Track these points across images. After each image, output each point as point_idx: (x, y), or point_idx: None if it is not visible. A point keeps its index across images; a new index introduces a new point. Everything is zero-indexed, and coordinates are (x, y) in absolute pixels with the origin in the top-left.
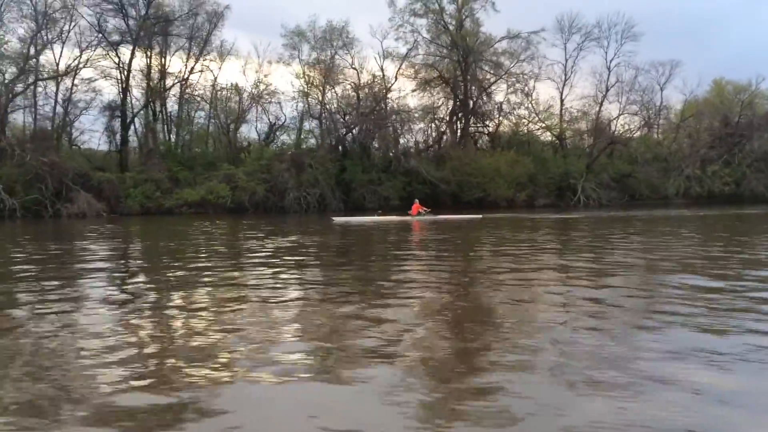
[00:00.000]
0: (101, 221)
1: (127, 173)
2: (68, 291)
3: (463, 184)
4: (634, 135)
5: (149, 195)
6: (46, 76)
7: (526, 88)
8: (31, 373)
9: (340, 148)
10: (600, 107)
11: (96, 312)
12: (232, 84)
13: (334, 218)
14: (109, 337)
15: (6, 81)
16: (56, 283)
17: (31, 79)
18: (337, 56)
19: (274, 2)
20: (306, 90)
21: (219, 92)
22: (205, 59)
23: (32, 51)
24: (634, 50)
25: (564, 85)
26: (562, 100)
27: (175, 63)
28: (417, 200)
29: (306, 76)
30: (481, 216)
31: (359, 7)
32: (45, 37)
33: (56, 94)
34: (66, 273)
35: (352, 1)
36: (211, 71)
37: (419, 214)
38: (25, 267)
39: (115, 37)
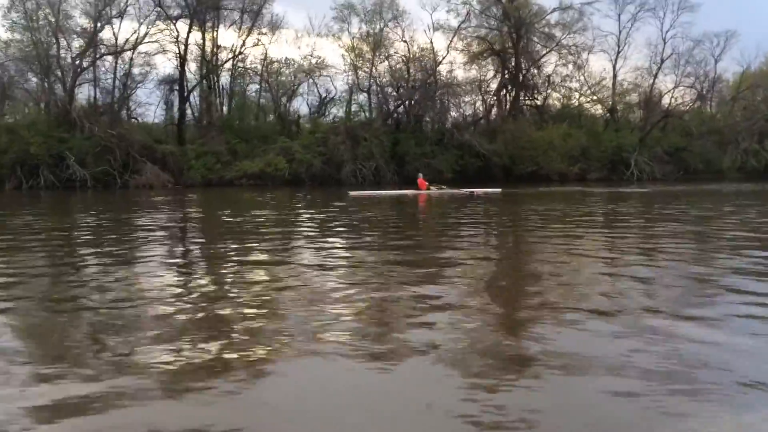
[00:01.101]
0: (168, 192)
1: (188, 146)
2: (136, 254)
3: (515, 157)
4: (687, 108)
5: (210, 167)
6: (109, 50)
7: (579, 61)
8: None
9: (389, 121)
10: (654, 80)
11: (152, 281)
12: (283, 58)
13: (350, 192)
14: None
15: (73, 55)
16: (125, 247)
17: (96, 54)
18: (386, 29)
19: None
20: (356, 63)
21: (270, 66)
22: (257, 33)
23: (97, 26)
24: (690, 21)
25: (617, 57)
26: (614, 73)
27: (227, 37)
28: (421, 175)
29: (356, 49)
30: (500, 190)
31: None
32: (109, 12)
33: (115, 68)
34: (140, 238)
35: None
36: (263, 45)
37: (428, 188)
38: (113, 236)
39: (174, 12)
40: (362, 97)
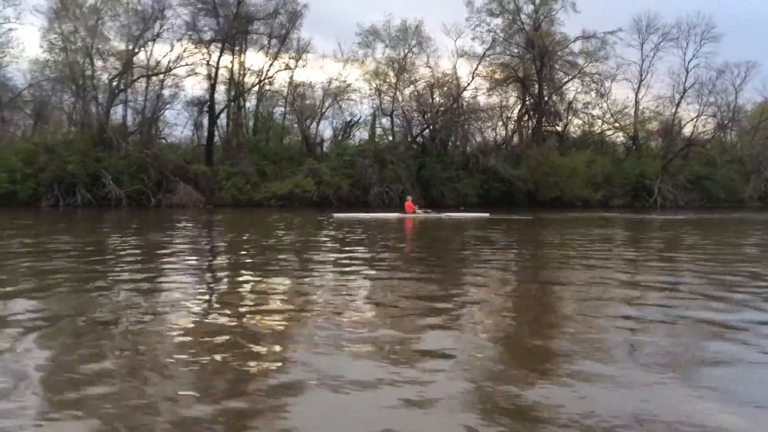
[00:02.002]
0: (201, 212)
1: (220, 166)
2: (169, 275)
3: (539, 182)
4: (709, 137)
5: (240, 188)
6: (146, 72)
7: (602, 89)
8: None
9: (414, 145)
10: (677, 108)
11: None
12: (308, 81)
13: (333, 214)
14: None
15: (110, 77)
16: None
17: (132, 75)
18: (410, 55)
19: (347, 6)
20: (380, 88)
21: (296, 89)
22: (284, 57)
23: (135, 49)
24: (713, 51)
25: (639, 85)
26: (637, 101)
27: (254, 60)
28: (410, 197)
29: (380, 74)
30: (488, 214)
31: (431, 6)
32: (146, 36)
33: (146, 89)
34: (181, 257)
35: (425, 1)
36: (290, 68)
37: (415, 212)
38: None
39: (207, 36)
40: (385, 121)
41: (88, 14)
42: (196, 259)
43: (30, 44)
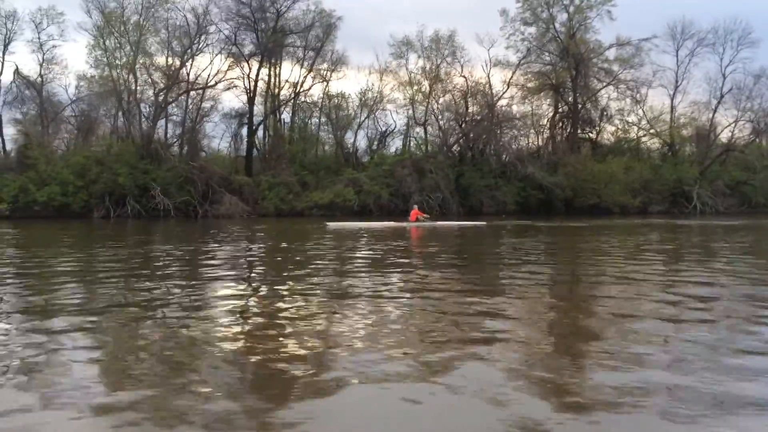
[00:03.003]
0: (247, 222)
1: (261, 176)
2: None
3: (577, 189)
4: (744, 142)
5: (282, 197)
6: (191, 87)
7: (638, 95)
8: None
9: (451, 154)
10: (714, 114)
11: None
12: (343, 92)
13: (327, 224)
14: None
15: (156, 91)
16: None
17: (179, 90)
18: (444, 64)
19: (379, 19)
20: (413, 98)
21: (331, 100)
22: (320, 69)
23: (180, 63)
24: (750, 57)
25: (675, 91)
26: (672, 107)
27: (290, 72)
28: (416, 206)
29: (414, 85)
30: (485, 223)
31: (464, 16)
32: (191, 50)
33: (186, 102)
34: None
35: (457, 11)
36: (325, 80)
37: (418, 220)
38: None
39: (246, 50)
40: (419, 130)
41: (132, 31)
42: (252, 266)
43: (73, 60)
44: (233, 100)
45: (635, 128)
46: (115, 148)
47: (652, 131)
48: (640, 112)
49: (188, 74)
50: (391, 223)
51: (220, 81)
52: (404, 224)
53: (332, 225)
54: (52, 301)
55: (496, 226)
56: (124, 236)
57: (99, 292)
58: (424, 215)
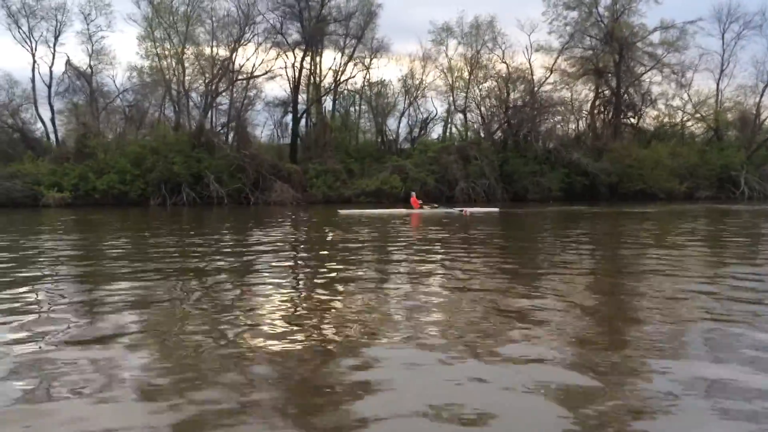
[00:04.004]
0: (300, 209)
1: (309, 164)
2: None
3: (623, 175)
4: None
5: (330, 185)
6: (242, 76)
7: (682, 80)
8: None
9: (492, 140)
10: (761, 98)
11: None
12: (384, 80)
13: (339, 210)
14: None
15: (206, 81)
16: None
17: (232, 78)
18: (484, 50)
19: (418, 4)
20: (453, 84)
21: (372, 88)
22: (361, 57)
23: (230, 54)
24: None
25: (720, 75)
26: (718, 91)
27: (331, 60)
28: (413, 193)
29: (455, 71)
30: (498, 209)
31: (503, 3)
32: (239, 40)
33: (231, 91)
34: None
35: None
36: (366, 68)
37: (421, 207)
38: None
39: (292, 39)
40: (461, 117)
41: (180, 21)
42: (302, 251)
43: (120, 51)
44: (274, 89)
45: (680, 113)
46: (170, 137)
47: (697, 116)
48: (685, 96)
49: (232, 64)
50: (402, 210)
51: (269, 70)
52: (411, 211)
53: (344, 212)
54: (111, 278)
55: (552, 212)
56: (203, 221)
57: (163, 272)
58: (432, 204)
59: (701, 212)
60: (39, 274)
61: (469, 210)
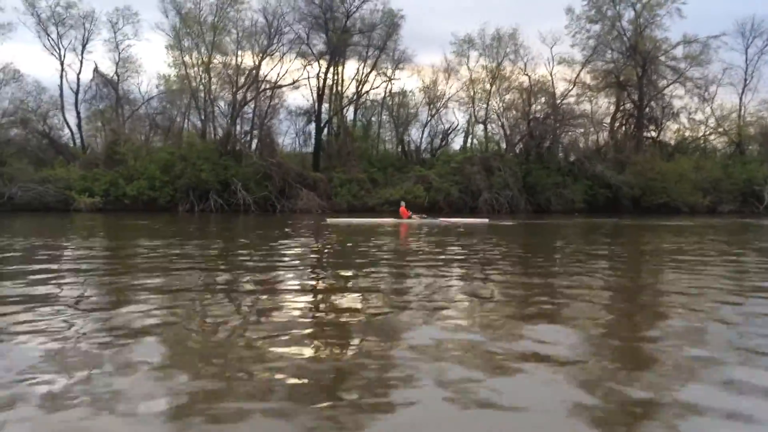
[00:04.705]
0: (324, 217)
1: (333, 173)
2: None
3: (646, 188)
4: None
5: (354, 193)
6: (269, 86)
7: (705, 94)
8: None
9: (517, 151)
10: None
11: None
12: (405, 90)
13: (327, 219)
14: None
15: (234, 90)
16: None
17: (258, 88)
18: (506, 62)
19: (445, 16)
20: (474, 95)
21: (394, 98)
22: (383, 67)
23: (258, 63)
24: None
25: (744, 89)
26: (741, 105)
27: (354, 70)
28: (403, 203)
29: (476, 83)
30: (487, 220)
31: (526, 15)
32: (266, 51)
33: (255, 100)
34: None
35: (519, 10)
36: (388, 78)
37: (410, 218)
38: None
39: (317, 50)
40: (482, 128)
41: (207, 31)
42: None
43: (146, 59)
44: (297, 98)
45: (702, 127)
46: (198, 144)
47: (720, 130)
48: (708, 110)
49: (257, 73)
50: (390, 220)
51: (296, 80)
52: (399, 221)
53: (331, 220)
54: (140, 278)
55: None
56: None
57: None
58: (422, 215)
59: (735, 227)
60: (79, 267)
61: (457, 221)
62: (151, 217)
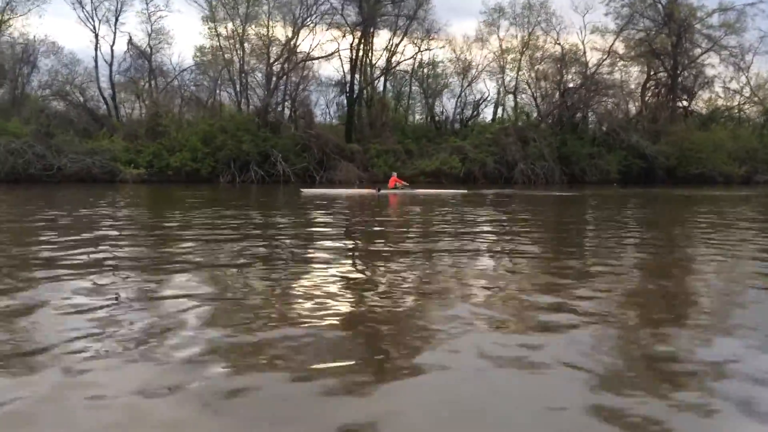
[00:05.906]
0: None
1: (370, 144)
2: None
3: (681, 158)
4: None
5: (390, 164)
6: (305, 57)
7: (741, 62)
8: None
9: (550, 122)
10: None
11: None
12: (436, 61)
13: (302, 190)
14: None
15: (271, 62)
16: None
17: (295, 59)
18: (537, 31)
19: None
20: (505, 65)
21: (424, 69)
22: (414, 37)
23: (295, 35)
24: None
25: None
26: None
27: (385, 41)
28: (395, 173)
29: (506, 53)
30: (465, 191)
31: None
32: (301, 22)
33: (292, 71)
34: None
35: None
36: (420, 49)
37: (395, 187)
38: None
39: (351, 20)
40: (514, 98)
41: (242, 3)
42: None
43: (178, 31)
44: (328, 69)
45: (737, 96)
46: (238, 116)
47: (755, 99)
48: (743, 79)
49: (293, 44)
50: (363, 191)
51: (333, 52)
52: (380, 191)
53: (306, 191)
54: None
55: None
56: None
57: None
58: (403, 183)
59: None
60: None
61: (431, 192)
62: (196, 188)
